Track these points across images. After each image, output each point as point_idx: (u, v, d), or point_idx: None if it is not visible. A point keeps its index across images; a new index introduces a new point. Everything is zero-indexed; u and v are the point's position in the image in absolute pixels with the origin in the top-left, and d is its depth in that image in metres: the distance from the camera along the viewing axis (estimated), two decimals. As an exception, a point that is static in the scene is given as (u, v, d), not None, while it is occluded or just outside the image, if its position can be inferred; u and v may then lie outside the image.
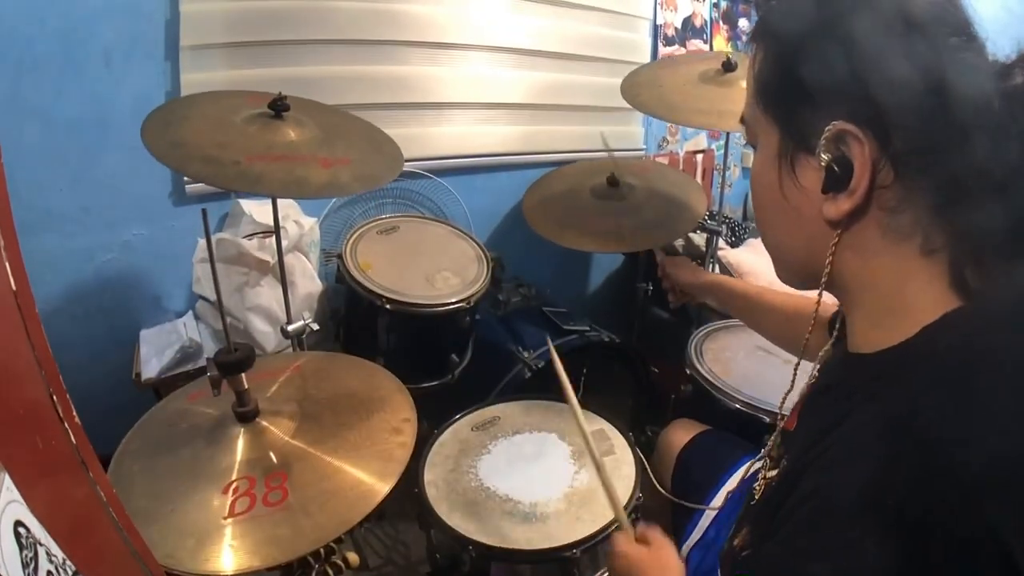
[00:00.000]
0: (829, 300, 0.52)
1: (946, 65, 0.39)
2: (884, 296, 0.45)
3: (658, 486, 1.06)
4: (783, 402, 0.71)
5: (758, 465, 0.71)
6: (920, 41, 0.40)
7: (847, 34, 0.41)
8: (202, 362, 1.33)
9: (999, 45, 0.45)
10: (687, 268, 1.20)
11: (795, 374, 0.69)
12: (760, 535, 0.50)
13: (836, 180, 0.43)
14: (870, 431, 0.40)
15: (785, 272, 0.55)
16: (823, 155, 0.43)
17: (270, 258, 1.38)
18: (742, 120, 0.52)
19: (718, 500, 0.96)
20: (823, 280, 0.48)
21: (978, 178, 0.40)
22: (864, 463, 0.38)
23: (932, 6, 0.42)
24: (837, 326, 0.57)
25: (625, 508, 0.97)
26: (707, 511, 0.96)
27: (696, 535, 0.96)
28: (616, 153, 1.03)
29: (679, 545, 0.98)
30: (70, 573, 0.35)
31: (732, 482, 0.96)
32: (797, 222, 0.48)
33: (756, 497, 0.64)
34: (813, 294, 0.51)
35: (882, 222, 0.43)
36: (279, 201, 1.12)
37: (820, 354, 0.58)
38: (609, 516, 0.95)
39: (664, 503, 1.06)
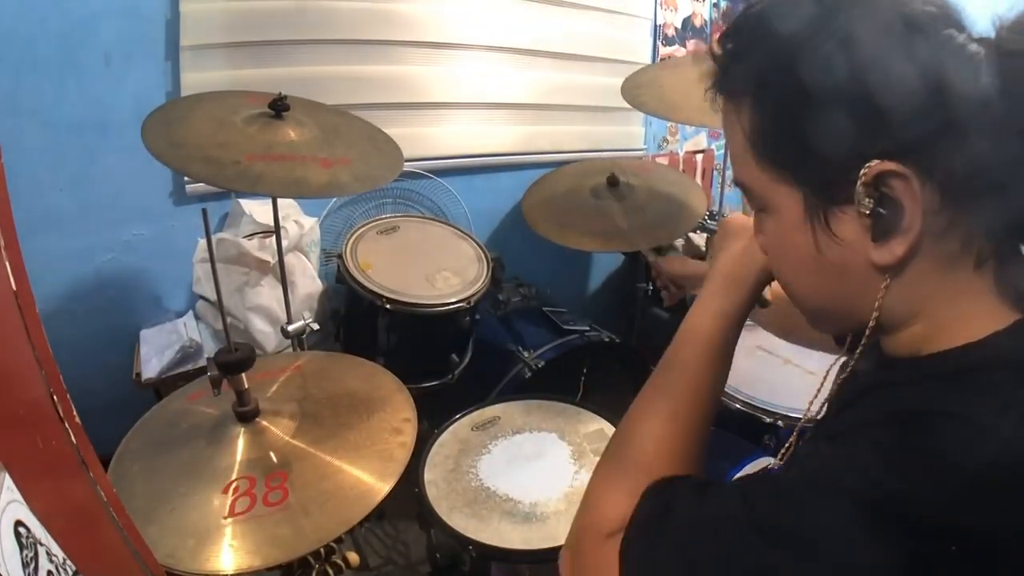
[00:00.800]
0: None
1: (969, 75, 0.36)
2: (934, 318, 0.41)
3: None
4: (810, 405, 0.69)
5: (770, 463, 0.70)
6: (937, 48, 0.36)
7: (856, 60, 0.36)
8: (202, 362, 1.33)
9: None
10: (676, 260, 1.20)
11: (824, 380, 0.67)
12: None
13: (886, 225, 0.38)
14: (889, 426, 0.37)
15: (825, 326, 0.50)
16: (865, 201, 0.38)
17: (270, 258, 1.39)
18: (739, 183, 0.46)
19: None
20: (872, 325, 0.42)
21: (1011, 179, 0.37)
22: (872, 453, 0.36)
23: (936, 13, 0.38)
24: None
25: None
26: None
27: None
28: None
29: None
30: (70, 573, 0.35)
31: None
32: (842, 278, 0.42)
33: None
34: None
35: (933, 250, 0.39)
36: (279, 201, 1.12)
37: (850, 362, 0.54)
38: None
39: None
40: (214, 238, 1.40)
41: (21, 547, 0.31)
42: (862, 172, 0.37)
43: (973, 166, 0.36)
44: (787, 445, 0.67)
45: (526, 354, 1.47)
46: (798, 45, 0.38)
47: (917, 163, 0.36)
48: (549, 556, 0.91)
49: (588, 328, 1.58)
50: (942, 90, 0.35)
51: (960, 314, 0.39)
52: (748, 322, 1.38)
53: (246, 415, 0.83)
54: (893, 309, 0.41)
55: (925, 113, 0.35)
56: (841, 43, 0.37)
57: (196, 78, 1.41)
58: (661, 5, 2.26)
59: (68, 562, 0.35)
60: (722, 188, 2.17)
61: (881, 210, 0.38)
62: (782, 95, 0.40)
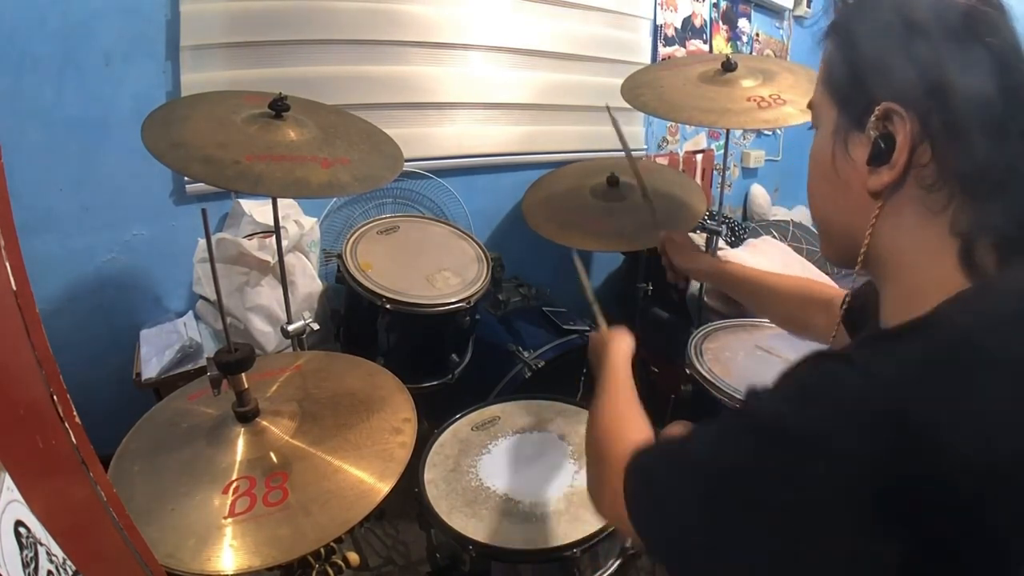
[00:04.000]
0: (836, 285, 0.52)
1: (975, 65, 0.44)
2: (916, 274, 0.48)
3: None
4: None
5: None
6: (956, 44, 0.45)
7: (900, 31, 0.47)
8: (202, 362, 1.33)
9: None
10: (686, 253, 1.21)
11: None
12: None
13: (880, 154, 0.48)
14: (855, 394, 0.40)
15: (830, 246, 0.59)
16: (872, 132, 0.48)
17: (270, 258, 1.39)
18: (809, 105, 0.59)
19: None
20: (863, 250, 0.52)
21: (1003, 172, 0.44)
22: (846, 425, 0.39)
23: (972, 12, 0.46)
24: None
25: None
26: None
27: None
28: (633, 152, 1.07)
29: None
30: (70, 573, 0.35)
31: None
32: (845, 194, 0.53)
33: None
34: (816, 276, 0.52)
35: (919, 199, 0.47)
36: (279, 201, 1.12)
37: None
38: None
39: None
40: (214, 238, 1.40)
41: (21, 547, 0.31)
42: (877, 108, 0.47)
43: (959, 135, 0.45)
44: None
45: (526, 354, 1.47)
46: (863, 11, 0.51)
47: (919, 117, 0.46)
48: (549, 556, 0.91)
49: (588, 328, 1.58)
50: (943, 72, 0.45)
51: (937, 277, 0.47)
52: (749, 321, 1.43)
53: (246, 415, 0.83)
54: (882, 244, 0.51)
55: (929, 82, 0.45)
56: (886, 16, 0.48)
57: (196, 78, 1.41)
58: (661, 5, 2.26)
59: (68, 562, 0.35)
60: (722, 188, 2.17)
61: (881, 143, 0.48)
62: (845, 41, 0.52)
